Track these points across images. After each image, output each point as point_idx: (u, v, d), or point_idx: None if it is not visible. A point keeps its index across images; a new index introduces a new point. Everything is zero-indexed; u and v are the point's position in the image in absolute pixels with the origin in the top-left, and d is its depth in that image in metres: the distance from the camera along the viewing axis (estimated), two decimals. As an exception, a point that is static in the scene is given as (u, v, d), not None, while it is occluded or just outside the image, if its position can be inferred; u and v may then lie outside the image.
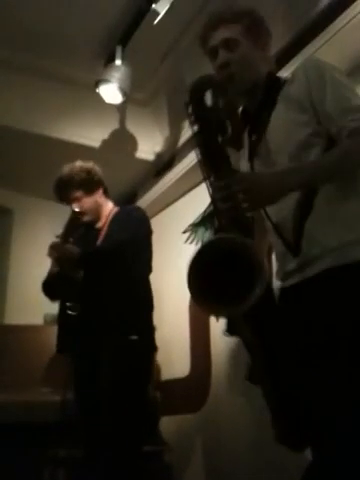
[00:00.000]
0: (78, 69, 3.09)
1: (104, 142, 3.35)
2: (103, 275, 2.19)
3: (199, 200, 2.80)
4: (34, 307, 3.40)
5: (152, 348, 2.22)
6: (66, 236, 2.25)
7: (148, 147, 3.47)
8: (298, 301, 1.31)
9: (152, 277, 3.69)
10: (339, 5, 2.24)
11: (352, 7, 2.17)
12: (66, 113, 3.20)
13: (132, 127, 3.44)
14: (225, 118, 1.33)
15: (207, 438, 2.95)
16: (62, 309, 2.28)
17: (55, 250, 2.20)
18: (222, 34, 1.46)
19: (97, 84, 2.85)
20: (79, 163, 2.43)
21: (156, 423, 2.77)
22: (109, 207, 2.43)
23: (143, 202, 3.82)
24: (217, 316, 1.28)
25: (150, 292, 2.29)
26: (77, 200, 2.35)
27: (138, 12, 2.72)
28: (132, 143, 3.46)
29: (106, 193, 2.45)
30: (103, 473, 1.95)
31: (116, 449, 1.96)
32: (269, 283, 1.32)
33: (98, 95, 3.00)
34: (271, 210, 1.41)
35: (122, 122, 3.38)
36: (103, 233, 2.34)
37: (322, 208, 1.31)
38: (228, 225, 1.28)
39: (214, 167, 1.30)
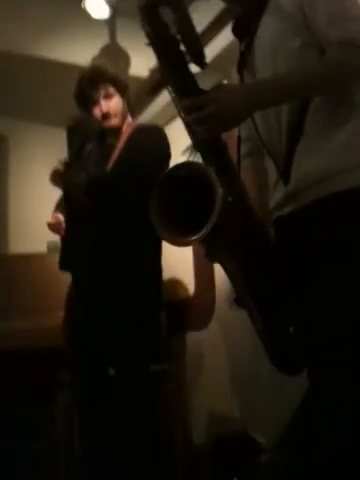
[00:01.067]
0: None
1: (94, 59, 3.17)
2: (114, 205, 2.03)
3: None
4: (37, 235, 3.38)
5: (160, 277, 2.16)
6: (71, 162, 2.06)
7: (142, 63, 3.29)
8: (290, 232, 1.25)
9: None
10: None
11: None
12: (52, 30, 3.01)
13: (124, 42, 3.25)
14: (184, 34, 1.18)
15: (214, 353, 3.02)
16: (69, 227, 2.14)
17: (58, 179, 2.01)
18: None
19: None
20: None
21: (166, 343, 2.81)
22: (129, 121, 2.19)
23: (139, 121, 3.70)
24: (178, 246, 1.24)
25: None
26: (109, 97, 2.09)
27: None
28: (124, 59, 3.28)
29: (129, 106, 2.21)
30: (112, 396, 1.99)
31: (123, 370, 1.99)
32: (253, 213, 1.25)
33: (85, 9, 2.81)
34: (261, 130, 1.32)
35: (113, 37, 3.20)
36: (117, 152, 2.11)
37: (312, 134, 1.21)
38: (200, 148, 1.21)
39: (179, 87, 1.20)
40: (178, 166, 1.22)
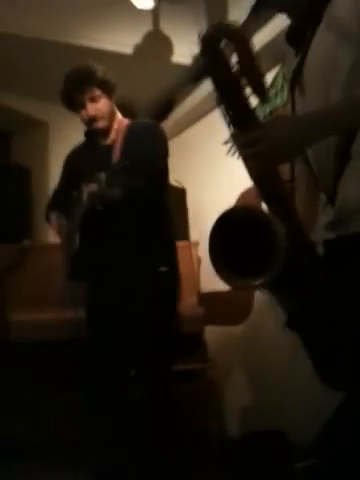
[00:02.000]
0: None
1: (137, 47, 3.13)
2: (130, 205, 2.02)
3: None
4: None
5: (179, 276, 2.13)
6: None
7: (185, 49, 3.21)
8: (337, 257, 1.21)
9: (193, 190, 3.61)
10: None
11: None
12: (94, 18, 2.97)
13: (167, 28, 3.17)
14: (246, 68, 1.14)
15: (250, 351, 2.99)
16: (83, 236, 2.10)
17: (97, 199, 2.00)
18: None
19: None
20: (95, 64, 2.12)
21: (199, 342, 2.80)
22: (119, 119, 2.16)
23: (181, 109, 3.63)
24: (237, 289, 1.21)
25: (171, 220, 2.14)
26: (95, 100, 2.06)
27: None
28: (167, 46, 3.21)
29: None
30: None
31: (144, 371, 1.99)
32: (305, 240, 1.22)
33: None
34: (310, 153, 1.28)
35: (156, 23, 3.12)
36: (118, 148, 2.08)
37: (358, 158, 1.16)
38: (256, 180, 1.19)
39: (237, 121, 1.16)
40: (235, 210, 1.19)
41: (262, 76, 1.15)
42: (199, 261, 3.31)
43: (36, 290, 2.95)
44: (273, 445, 2.61)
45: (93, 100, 2.07)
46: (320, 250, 1.24)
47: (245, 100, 1.15)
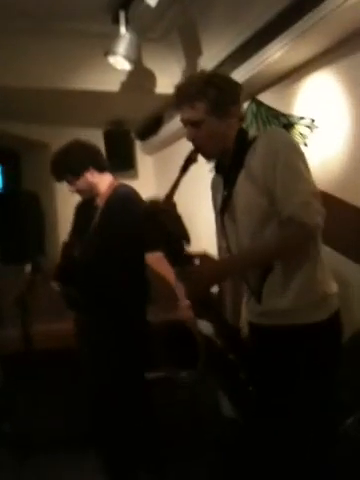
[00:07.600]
0: (89, 23, 3.22)
1: (123, 84, 3.50)
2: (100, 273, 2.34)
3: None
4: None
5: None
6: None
7: (167, 81, 3.56)
8: (259, 338, 1.62)
9: (185, 200, 3.97)
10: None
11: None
12: (84, 64, 3.40)
13: (149, 63, 3.55)
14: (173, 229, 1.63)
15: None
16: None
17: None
18: (186, 114, 1.59)
19: (106, 54, 2.99)
20: (65, 147, 2.43)
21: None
22: (106, 183, 2.44)
23: (169, 128, 3.98)
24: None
25: (144, 278, 2.41)
26: (70, 182, 2.42)
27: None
28: (151, 79, 3.57)
29: (100, 169, 2.43)
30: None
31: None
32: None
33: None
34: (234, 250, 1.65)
35: (139, 61, 3.46)
36: (99, 213, 2.41)
37: (278, 273, 1.54)
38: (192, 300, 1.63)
39: (175, 260, 1.65)
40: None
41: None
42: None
43: (50, 303, 3.39)
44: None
45: (69, 182, 2.43)
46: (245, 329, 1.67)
47: (181, 245, 1.64)
